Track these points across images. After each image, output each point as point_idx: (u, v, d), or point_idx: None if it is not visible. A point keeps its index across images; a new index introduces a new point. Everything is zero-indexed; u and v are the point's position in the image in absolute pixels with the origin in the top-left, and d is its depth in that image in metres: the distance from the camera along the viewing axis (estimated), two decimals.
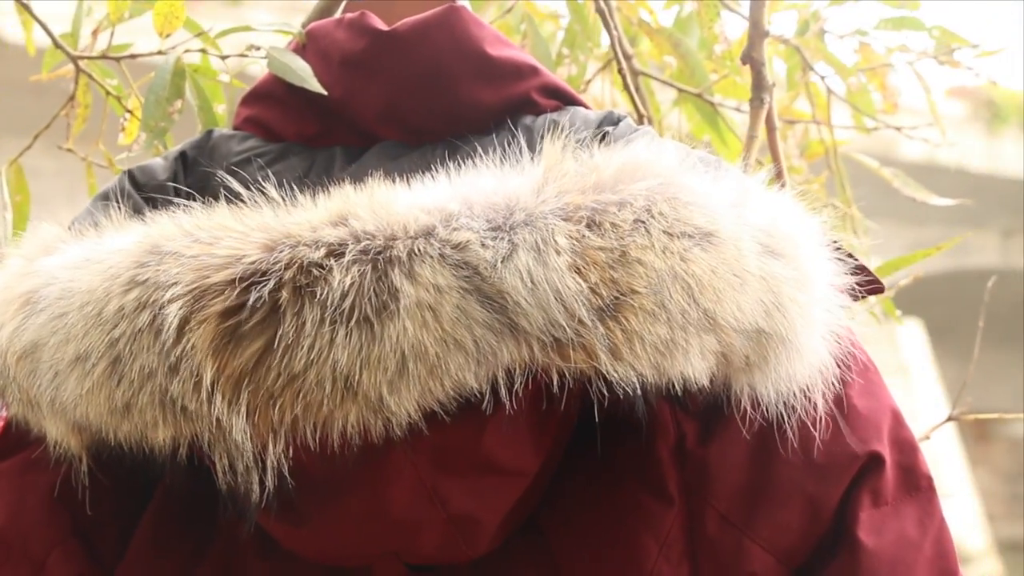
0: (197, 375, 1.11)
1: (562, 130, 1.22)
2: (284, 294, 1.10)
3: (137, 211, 1.31)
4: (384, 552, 1.25)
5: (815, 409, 1.22)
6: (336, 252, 1.11)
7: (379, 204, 1.15)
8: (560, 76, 1.96)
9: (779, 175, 1.70)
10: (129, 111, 1.81)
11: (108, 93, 1.82)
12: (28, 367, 1.20)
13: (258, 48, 1.56)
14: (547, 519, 1.29)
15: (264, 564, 1.31)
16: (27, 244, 1.27)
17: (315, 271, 1.10)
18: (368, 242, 1.12)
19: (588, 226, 1.12)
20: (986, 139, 10.96)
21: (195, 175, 1.38)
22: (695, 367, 1.14)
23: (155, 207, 1.29)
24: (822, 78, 1.96)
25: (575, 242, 1.11)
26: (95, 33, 1.84)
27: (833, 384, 1.23)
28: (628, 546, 1.25)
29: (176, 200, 1.26)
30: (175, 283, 1.12)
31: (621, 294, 1.11)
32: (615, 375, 1.11)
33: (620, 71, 1.70)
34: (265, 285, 1.10)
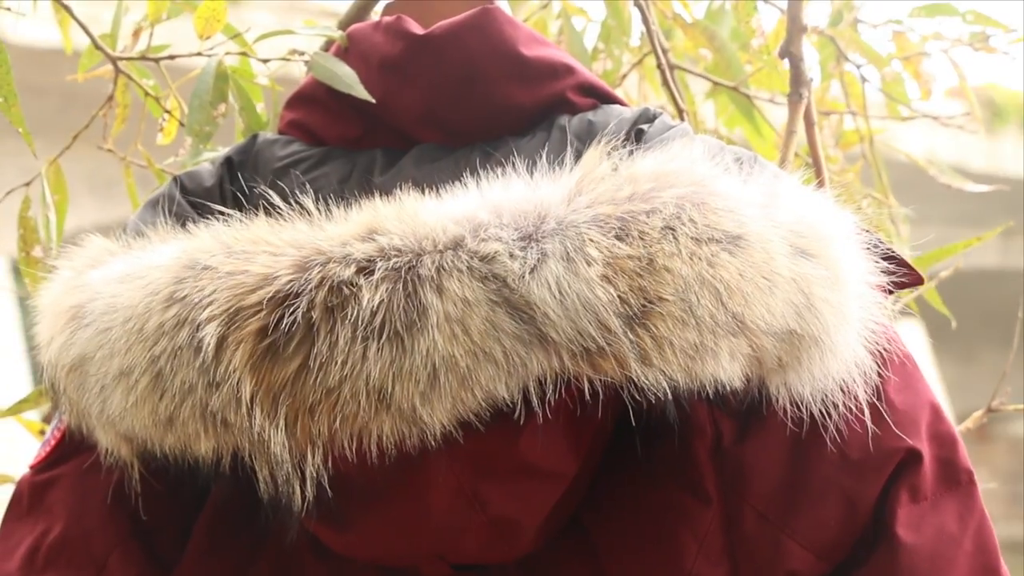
0: (236, 390, 1.13)
1: (600, 135, 1.23)
2: (316, 314, 1.12)
3: (184, 218, 1.32)
4: (428, 554, 1.26)
5: (851, 406, 1.22)
6: (365, 269, 1.13)
7: (408, 215, 1.16)
8: (595, 72, 1.97)
9: (818, 170, 1.71)
10: (168, 111, 1.82)
11: (147, 94, 1.83)
12: (77, 380, 1.23)
13: (302, 53, 1.56)
14: (591, 518, 1.30)
15: (321, 565, 1.32)
16: (76, 256, 1.29)
17: (345, 290, 1.12)
18: (397, 257, 1.13)
19: (617, 235, 1.13)
20: (986, 139, 10.95)
21: (240, 181, 1.39)
22: (726, 369, 1.14)
23: (202, 213, 1.31)
24: (857, 67, 1.97)
25: (605, 251, 1.12)
26: (136, 34, 1.85)
27: (869, 381, 1.23)
28: (668, 545, 1.26)
29: (220, 208, 1.28)
30: (212, 302, 1.14)
31: (649, 302, 1.12)
32: (646, 381, 1.12)
33: (659, 66, 1.71)
34: (298, 307, 1.12)
